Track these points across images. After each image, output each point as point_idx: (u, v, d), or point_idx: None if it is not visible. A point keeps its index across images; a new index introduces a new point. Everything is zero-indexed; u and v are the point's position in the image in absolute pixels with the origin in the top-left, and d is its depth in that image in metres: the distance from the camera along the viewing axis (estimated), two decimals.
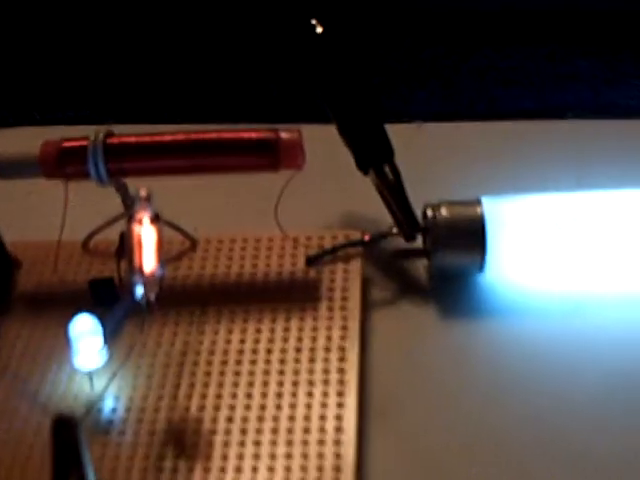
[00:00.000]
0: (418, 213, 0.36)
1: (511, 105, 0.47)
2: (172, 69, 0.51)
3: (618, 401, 0.31)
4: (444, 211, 0.35)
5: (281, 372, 0.31)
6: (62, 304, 0.33)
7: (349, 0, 0.52)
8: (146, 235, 0.28)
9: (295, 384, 0.30)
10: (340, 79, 0.37)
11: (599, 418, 0.31)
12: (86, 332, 0.29)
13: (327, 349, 0.32)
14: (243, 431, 0.29)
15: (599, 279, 0.35)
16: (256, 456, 0.28)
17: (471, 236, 0.35)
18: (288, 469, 0.28)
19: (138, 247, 0.28)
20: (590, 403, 0.31)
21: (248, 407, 0.30)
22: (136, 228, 0.28)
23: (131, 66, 0.51)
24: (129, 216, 0.28)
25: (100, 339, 0.30)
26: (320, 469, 0.28)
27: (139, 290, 0.29)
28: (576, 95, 0.47)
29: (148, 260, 0.28)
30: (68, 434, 0.25)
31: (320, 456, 0.28)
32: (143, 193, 0.28)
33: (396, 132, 0.37)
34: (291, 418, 0.29)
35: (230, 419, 0.30)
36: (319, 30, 0.37)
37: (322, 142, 0.35)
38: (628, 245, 0.35)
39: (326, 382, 0.30)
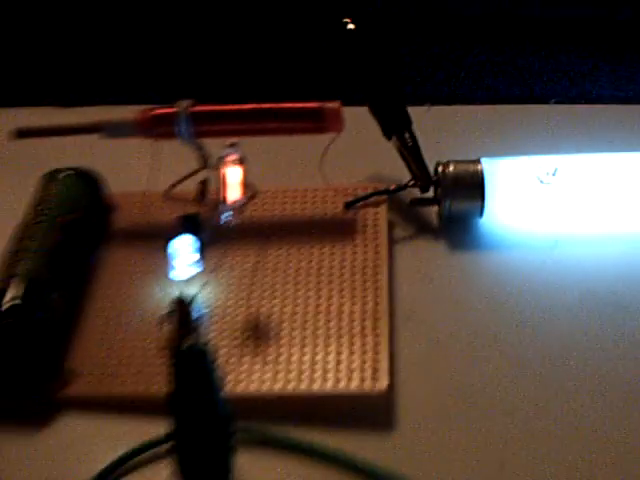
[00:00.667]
0: (431, 170, 0.45)
1: (503, 92, 0.56)
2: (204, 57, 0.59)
3: (589, 309, 0.41)
4: (451, 167, 0.44)
5: (330, 282, 0.40)
6: (152, 236, 0.43)
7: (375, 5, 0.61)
8: (232, 173, 0.37)
9: (341, 291, 0.40)
10: (370, 68, 0.46)
11: (576, 323, 0.40)
12: (183, 250, 0.39)
13: (364, 267, 0.41)
14: (303, 326, 0.39)
15: (573, 222, 0.45)
16: (315, 345, 0.38)
17: (472, 187, 0.44)
18: (339, 353, 0.37)
19: (223, 183, 0.38)
20: (567, 312, 0.41)
21: (306, 307, 0.39)
22: (224, 168, 0.37)
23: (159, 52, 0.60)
24: (219, 157, 0.37)
25: (193, 256, 0.39)
26: (364, 352, 0.37)
27: (224, 216, 0.38)
28: (558, 85, 0.57)
29: (233, 192, 0.38)
30: (184, 308, 0.34)
31: (362, 339, 0.38)
32: (231, 141, 0.37)
33: (411, 112, 0.46)
34: (340, 315, 0.39)
35: (293, 316, 0.39)
36: (351, 27, 0.47)
37: (354, 119, 0.45)
38: (596, 196, 0.44)
39: (364, 290, 0.40)
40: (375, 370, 0.37)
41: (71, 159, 0.46)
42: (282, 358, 0.37)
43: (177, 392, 0.33)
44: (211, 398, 0.33)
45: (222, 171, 0.38)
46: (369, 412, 0.36)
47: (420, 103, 0.52)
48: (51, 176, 0.44)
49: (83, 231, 0.43)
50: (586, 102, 0.54)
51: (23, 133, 0.45)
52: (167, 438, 0.33)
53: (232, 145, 0.38)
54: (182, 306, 0.34)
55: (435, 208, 0.45)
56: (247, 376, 0.37)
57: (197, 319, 0.34)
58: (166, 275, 0.40)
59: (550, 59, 0.58)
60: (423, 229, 0.45)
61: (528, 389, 0.38)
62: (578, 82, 0.57)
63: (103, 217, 0.45)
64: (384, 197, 0.45)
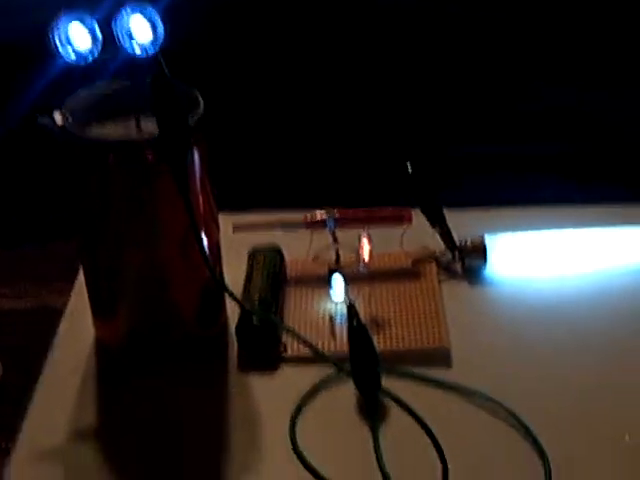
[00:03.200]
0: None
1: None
2: None
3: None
4: (469, 241, 0.84)
5: (408, 302, 0.79)
6: (314, 279, 0.81)
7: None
8: (365, 245, 0.77)
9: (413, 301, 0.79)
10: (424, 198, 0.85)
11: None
12: (337, 282, 0.77)
13: (423, 295, 0.80)
14: (396, 317, 0.77)
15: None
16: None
17: (479, 252, 0.83)
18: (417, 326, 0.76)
19: (362, 250, 0.77)
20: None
21: (398, 309, 0.78)
22: (363, 242, 0.77)
23: None
24: (359, 236, 0.77)
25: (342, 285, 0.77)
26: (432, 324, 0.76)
27: (361, 268, 0.77)
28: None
29: (365, 255, 0.77)
30: (352, 307, 0.73)
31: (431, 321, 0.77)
32: (365, 235, 0.77)
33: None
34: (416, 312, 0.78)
35: (393, 312, 0.77)
36: (410, 170, 0.86)
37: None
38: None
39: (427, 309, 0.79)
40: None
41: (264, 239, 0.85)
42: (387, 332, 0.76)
43: (353, 345, 0.71)
44: (370, 348, 0.71)
45: (362, 243, 0.78)
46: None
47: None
48: (257, 249, 0.83)
49: (279, 276, 0.82)
50: None
51: (239, 227, 0.84)
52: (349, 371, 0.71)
53: (365, 231, 0.78)
54: (351, 306, 0.73)
55: (460, 264, 0.85)
56: (377, 341, 0.75)
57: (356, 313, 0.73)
58: (328, 297, 0.79)
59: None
60: (454, 275, 0.84)
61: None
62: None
63: (284, 271, 0.84)
64: (434, 258, 0.84)
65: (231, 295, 0.74)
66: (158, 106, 0.66)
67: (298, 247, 0.84)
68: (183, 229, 0.70)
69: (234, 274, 0.81)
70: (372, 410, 0.69)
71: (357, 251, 0.79)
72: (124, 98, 0.71)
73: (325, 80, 1.00)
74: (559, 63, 1.03)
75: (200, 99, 0.70)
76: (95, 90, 0.72)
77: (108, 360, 0.77)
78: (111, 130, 0.70)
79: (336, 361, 0.73)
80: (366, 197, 0.86)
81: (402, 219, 0.83)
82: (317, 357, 0.73)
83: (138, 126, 0.70)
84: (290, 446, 0.67)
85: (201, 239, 0.71)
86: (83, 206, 0.72)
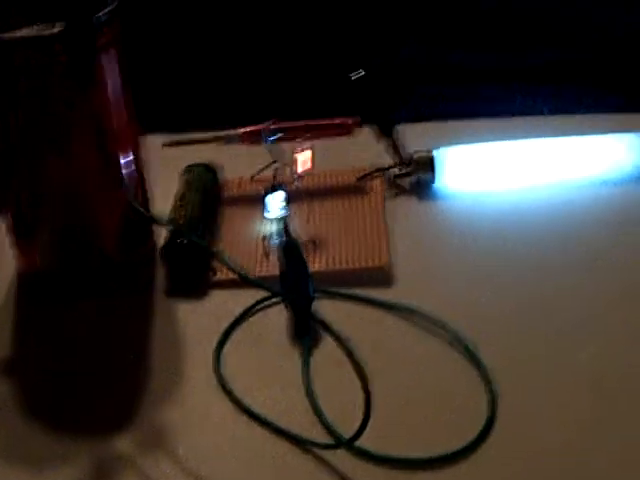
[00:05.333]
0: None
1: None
2: None
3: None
4: (416, 155, 0.78)
5: (348, 214, 0.74)
6: (250, 198, 0.76)
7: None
8: (303, 156, 0.71)
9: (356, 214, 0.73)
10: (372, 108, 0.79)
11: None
12: (276, 198, 0.71)
13: (368, 210, 0.74)
14: (333, 232, 0.72)
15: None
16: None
17: (428, 165, 0.77)
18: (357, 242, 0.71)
19: (296, 163, 0.71)
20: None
21: (333, 224, 0.72)
22: (297, 156, 0.71)
23: None
24: (294, 149, 0.71)
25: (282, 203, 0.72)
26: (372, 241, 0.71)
27: (295, 183, 0.72)
28: None
29: (301, 165, 0.71)
30: (285, 224, 0.67)
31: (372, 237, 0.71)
32: (300, 143, 0.71)
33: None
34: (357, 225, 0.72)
35: (328, 230, 0.72)
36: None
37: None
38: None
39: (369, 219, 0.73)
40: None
41: (199, 158, 0.79)
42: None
43: (283, 263, 0.66)
44: (301, 266, 0.66)
45: (295, 157, 0.72)
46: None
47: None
48: (189, 168, 0.77)
49: (212, 196, 0.76)
50: None
51: (168, 144, 0.79)
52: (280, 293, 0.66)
53: (301, 143, 0.72)
54: (283, 222, 0.67)
55: (409, 179, 0.79)
56: (311, 260, 0.69)
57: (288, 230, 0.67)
58: (262, 216, 0.73)
59: None
60: (402, 191, 0.79)
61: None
62: None
63: (219, 190, 0.78)
64: (381, 173, 0.78)
65: (144, 215, 0.68)
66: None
67: (236, 165, 0.78)
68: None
69: (165, 194, 0.75)
70: (302, 334, 0.64)
71: (293, 163, 0.74)
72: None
73: None
74: None
75: None
76: None
77: (29, 289, 0.72)
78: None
79: (268, 284, 0.67)
80: (310, 110, 0.80)
81: (347, 129, 0.77)
82: (245, 281, 0.66)
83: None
84: (214, 374, 0.62)
85: (106, 147, 0.65)
86: None
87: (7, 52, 0.62)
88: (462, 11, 0.93)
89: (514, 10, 0.95)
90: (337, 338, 0.63)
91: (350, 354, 0.60)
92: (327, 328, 0.64)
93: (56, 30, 0.62)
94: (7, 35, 0.62)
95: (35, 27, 0.63)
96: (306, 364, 0.61)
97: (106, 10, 0.63)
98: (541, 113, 0.87)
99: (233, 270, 0.65)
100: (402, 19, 0.93)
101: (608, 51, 0.94)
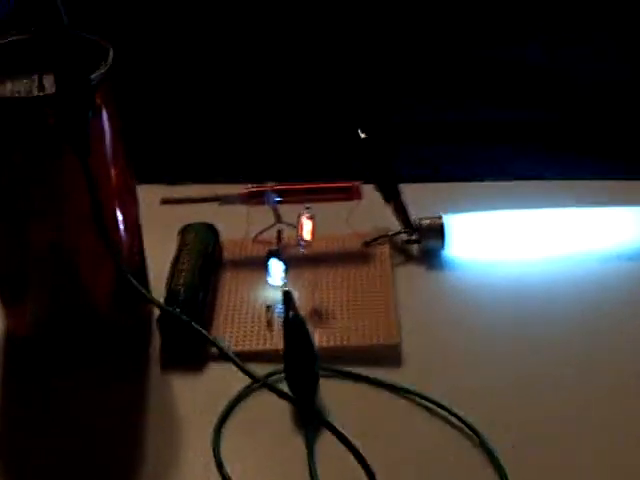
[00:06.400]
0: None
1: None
2: None
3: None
4: (426, 221, 0.74)
5: (354, 286, 0.70)
6: (252, 261, 0.72)
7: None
8: (306, 223, 0.67)
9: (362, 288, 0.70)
10: (377, 170, 0.76)
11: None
12: (275, 266, 0.68)
13: (375, 279, 0.71)
14: (340, 306, 0.68)
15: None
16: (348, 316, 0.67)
17: (438, 232, 0.74)
18: (364, 320, 0.67)
19: (302, 229, 0.68)
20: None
21: (341, 298, 0.69)
22: (303, 220, 0.68)
23: None
24: (299, 214, 0.68)
25: (281, 270, 0.68)
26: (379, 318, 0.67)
27: (301, 249, 0.68)
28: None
29: (306, 235, 0.68)
30: (287, 296, 0.63)
31: (378, 313, 0.67)
32: (307, 205, 0.68)
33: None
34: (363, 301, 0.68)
35: (335, 303, 0.68)
36: (363, 136, 0.76)
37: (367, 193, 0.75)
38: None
39: (377, 291, 0.70)
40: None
41: (198, 218, 0.75)
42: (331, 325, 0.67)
43: (287, 341, 0.62)
44: (307, 344, 0.62)
45: (301, 221, 0.68)
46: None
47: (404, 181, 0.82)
48: (188, 228, 0.74)
49: (213, 259, 0.72)
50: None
51: (167, 201, 0.75)
52: (284, 369, 0.62)
53: (307, 208, 0.68)
54: (286, 295, 0.63)
55: (417, 246, 0.76)
56: (316, 335, 0.66)
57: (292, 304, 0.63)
58: (265, 282, 0.70)
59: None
60: (410, 259, 0.75)
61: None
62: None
63: (219, 252, 0.74)
64: (387, 239, 0.75)
65: (135, 286, 0.62)
66: (54, 59, 0.56)
67: (237, 226, 0.75)
68: None
69: (161, 255, 0.72)
70: (307, 418, 0.60)
71: (297, 229, 0.70)
72: (25, 53, 0.61)
73: (263, 37, 0.90)
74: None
75: (110, 52, 0.60)
76: None
77: (16, 354, 0.68)
78: (10, 91, 0.60)
79: (272, 359, 0.63)
80: (312, 171, 0.76)
81: (351, 194, 0.73)
82: (241, 369, 0.61)
83: (41, 85, 0.60)
84: (213, 459, 0.59)
85: (101, 214, 0.60)
86: None
87: None
88: (461, 68, 0.91)
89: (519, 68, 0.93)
90: (341, 437, 0.58)
91: (357, 453, 0.56)
92: (331, 427, 0.59)
93: (47, 92, 0.58)
94: None
95: (23, 82, 0.61)
96: (311, 454, 0.58)
97: (100, 71, 0.59)
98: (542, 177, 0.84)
99: (229, 358, 0.61)
100: (399, 78, 0.90)
101: (609, 116, 0.92)
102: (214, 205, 0.75)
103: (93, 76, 0.58)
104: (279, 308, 0.68)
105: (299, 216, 0.70)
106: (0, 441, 0.62)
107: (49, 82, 0.59)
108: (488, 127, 0.90)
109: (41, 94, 0.59)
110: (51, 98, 0.57)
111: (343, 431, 0.58)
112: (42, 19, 0.56)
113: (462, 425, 0.59)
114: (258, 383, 0.62)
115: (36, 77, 0.60)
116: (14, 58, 0.62)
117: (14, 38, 0.62)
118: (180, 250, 0.72)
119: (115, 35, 0.62)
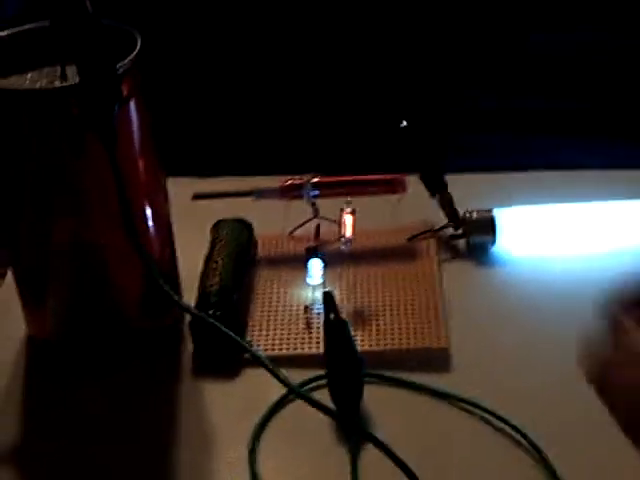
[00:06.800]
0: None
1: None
2: None
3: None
4: (474, 214, 0.70)
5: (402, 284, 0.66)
6: (289, 259, 0.68)
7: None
8: (348, 219, 0.63)
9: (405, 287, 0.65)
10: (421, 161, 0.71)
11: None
12: (315, 265, 0.64)
13: (422, 276, 0.66)
14: (390, 307, 0.64)
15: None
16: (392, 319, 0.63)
17: (487, 227, 0.69)
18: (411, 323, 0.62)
19: (344, 225, 0.64)
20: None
21: (384, 298, 0.64)
22: (344, 216, 0.63)
23: None
24: (341, 209, 0.63)
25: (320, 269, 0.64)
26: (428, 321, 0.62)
27: (343, 246, 0.64)
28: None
29: (348, 231, 0.63)
30: (328, 297, 0.59)
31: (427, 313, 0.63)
32: (347, 200, 0.63)
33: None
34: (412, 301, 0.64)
35: (379, 304, 0.64)
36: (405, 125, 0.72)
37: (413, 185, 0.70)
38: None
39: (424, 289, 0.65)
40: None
41: (231, 213, 0.71)
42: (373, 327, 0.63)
43: (328, 346, 0.58)
44: (350, 349, 0.58)
45: (343, 216, 0.64)
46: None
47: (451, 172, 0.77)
48: (221, 223, 0.70)
49: (247, 257, 0.68)
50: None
51: (199, 196, 0.71)
52: (324, 376, 0.58)
53: (348, 202, 0.64)
54: (327, 296, 0.59)
55: (463, 240, 0.71)
56: (358, 337, 0.61)
57: (333, 305, 0.59)
58: (304, 281, 0.65)
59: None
60: (457, 254, 0.71)
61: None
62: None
63: (254, 249, 0.70)
64: (433, 234, 0.70)
65: (166, 291, 0.57)
66: (78, 48, 0.52)
67: (272, 221, 0.71)
68: None
69: (192, 252, 0.68)
70: (350, 429, 0.56)
71: (339, 225, 0.66)
72: (47, 42, 0.57)
73: (303, 23, 0.85)
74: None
75: (138, 40, 0.56)
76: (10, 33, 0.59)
77: (39, 358, 0.64)
78: (31, 80, 0.57)
79: (311, 364, 0.59)
80: (354, 164, 0.72)
81: (395, 187, 0.69)
82: (276, 377, 0.55)
83: (63, 75, 0.57)
84: (248, 473, 0.55)
85: (129, 212, 0.56)
86: None
87: (16, 103, 0.55)
88: (511, 57, 0.86)
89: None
90: (389, 452, 0.52)
91: (406, 469, 0.52)
92: (377, 441, 0.53)
93: (71, 83, 0.55)
94: (16, 86, 0.56)
95: (45, 71, 0.57)
96: (355, 470, 0.53)
97: (127, 60, 0.55)
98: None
99: (264, 366, 0.56)
100: (443, 68, 0.86)
101: None
102: (248, 200, 0.71)
103: (119, 65, 0.54)
104: (318, 309, 0.64)
105: (340, 211, 0.66)
106: (23, 449, 0.59)
107: (72, 72, 0.55)
108: (535, 115, 0.86)
109: (64, 84, 0.55)
110: (74, 88, 0.54)
111: (389, 443, 0.53)
112: (64, 5, 0.52)
113: (522, 439, 0.55)
114: (293, 393, 0.57)
115: (58, 67, 0.57)
116: (35, 47, 0.59)
117: (33, 26, 0.59)
118: (212, 247, 0.68)
119: (145, 25, 0.58)
